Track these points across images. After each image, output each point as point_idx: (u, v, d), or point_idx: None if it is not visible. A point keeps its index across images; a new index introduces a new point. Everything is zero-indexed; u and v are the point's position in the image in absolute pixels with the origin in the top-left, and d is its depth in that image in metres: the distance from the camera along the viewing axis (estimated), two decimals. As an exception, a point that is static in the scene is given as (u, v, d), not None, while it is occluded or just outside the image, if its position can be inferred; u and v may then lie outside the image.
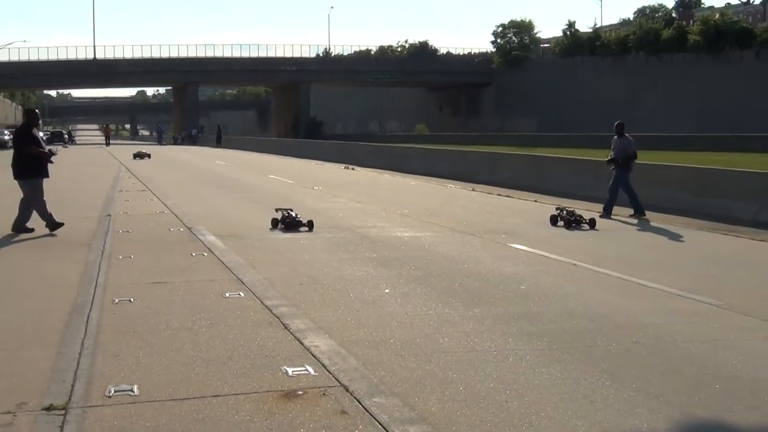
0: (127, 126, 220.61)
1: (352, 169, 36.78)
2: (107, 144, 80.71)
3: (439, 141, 73.56)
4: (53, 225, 14.31)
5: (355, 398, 5.69)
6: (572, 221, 15.41)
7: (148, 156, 45.78)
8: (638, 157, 18.12)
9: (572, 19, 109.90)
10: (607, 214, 16.98)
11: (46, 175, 14.56)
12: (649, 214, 17.39)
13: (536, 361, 6.63)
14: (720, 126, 74.82)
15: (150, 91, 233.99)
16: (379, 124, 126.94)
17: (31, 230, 14.19)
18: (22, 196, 14.29)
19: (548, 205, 19.01)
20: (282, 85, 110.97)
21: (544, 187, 23.69)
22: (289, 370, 6.28)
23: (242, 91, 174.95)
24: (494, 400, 5.72)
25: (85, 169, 36.97)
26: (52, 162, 14.72)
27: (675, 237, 14.62)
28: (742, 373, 6.41)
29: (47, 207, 14.39)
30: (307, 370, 6.31)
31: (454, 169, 31.71)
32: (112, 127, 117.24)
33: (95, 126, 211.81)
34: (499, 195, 22.80)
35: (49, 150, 14.72)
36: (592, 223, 15.38)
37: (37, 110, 15.86)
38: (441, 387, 5.98)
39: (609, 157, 17.96)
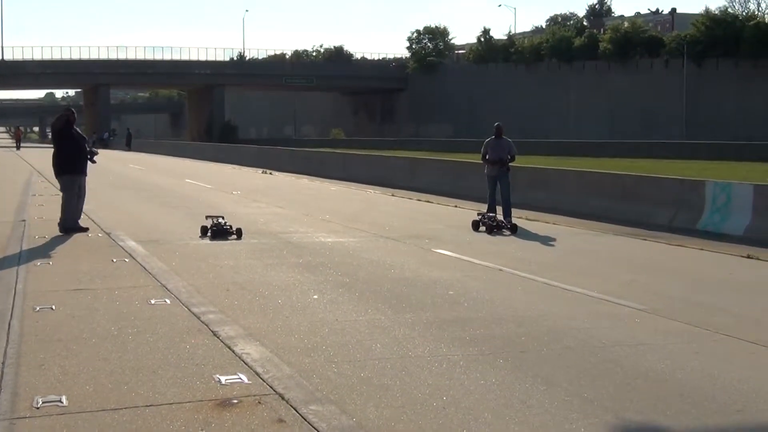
0: (36, 128, 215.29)
1: (270, 173, 36.56)
2: (18, 147, 78.64)
3: (355, 146, 73.50)
4: (72, 228, 14.43)
5: (291, 406, 5.62)
6: (494, 227, 15.53)
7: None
8: (552, 164, 18.22)
9: (487, 27, 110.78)
10: (509, 219, 16.61)
11: (83, 172, 14.91)
12: (568, 220, 17.67)
13: (470, 367, 6.65)
14: (630, 133, 76.56)
15: (59, 93, 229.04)
16: (294, 128, 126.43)
17: (86, 229, 14.48)
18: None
19: (468, 210, 19.17)
20: (196, 88, 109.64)
21: (463, 193, 23.82)
22: (222, 379, 6.18)
23: (155, 94, 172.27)
24: (431, 407, 5.71)
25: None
26: (94, 162, 15.18)
27: (595, 242, 14.86)
28: (670, 377, 6.52)
29: (75, 207, 14.75)
30: (240, 378, 6.21)
31: (373, 174, 31.73)
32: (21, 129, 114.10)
33: (2, 129, 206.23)
34: (419, 200, 22.88)
35: (90, 149, 15.05)
36: (513, 229, 15.52)
37: (73, 109, 16.00)
38: (377, 394, 5.95)
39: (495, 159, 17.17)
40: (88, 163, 14.99)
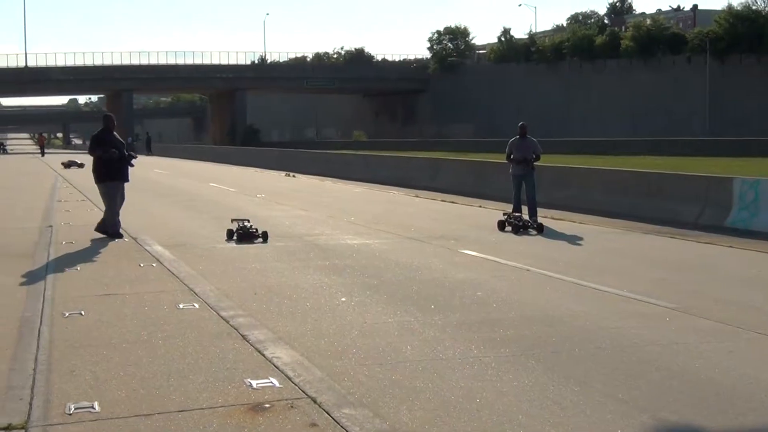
0: (59, 135, 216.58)
1: (293, 176, 36.59)
2: (42, 154, 79.13)
3: (377, 147, 73.54)
4: (106, 232, 14.59)
5: (323, 410, 5.59)
6: (520, 226, 15.46)
7: (80, 165, 42.43)
8: (575, 163, 18.09)
9: (507, 26, 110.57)
10: (535, 218, 16.46)
11: (124, 179, 15.05)
12: (594, 218, 17.57)
13: (501, 368, 6.60)
14: (653, 130, 76.07)
15: (82, 99, 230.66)
16: (315, 130, 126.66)
17: (120, 236, 14.60)
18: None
19: (493, 211, 19.12)
20: (218, 92, 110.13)
21: (486, 193, 23.74)
22: (254, 383, 6.15)
23: (177, 99, 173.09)
24: (465, 409, 5.66)
25: (21, 178, 36.24)
26: (132, 165, 15.27)
27: (623, 241, 14.76)
28: (705, 376, 6.44)
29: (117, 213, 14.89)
30: (271, 382, 6.19)
31: (396, 175, 31.69)
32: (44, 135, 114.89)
33: (26, 135, 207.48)
34: (443, 201, 22.82)
35: (129, 153, 15.17)
36: (540, 228, 15.43)
37: (112, 115, 16.15)
38: (410, 397, 5.91)
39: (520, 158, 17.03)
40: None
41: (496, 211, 18.70)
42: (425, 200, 23.37)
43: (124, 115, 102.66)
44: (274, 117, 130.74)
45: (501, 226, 15.79)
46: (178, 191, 26.87)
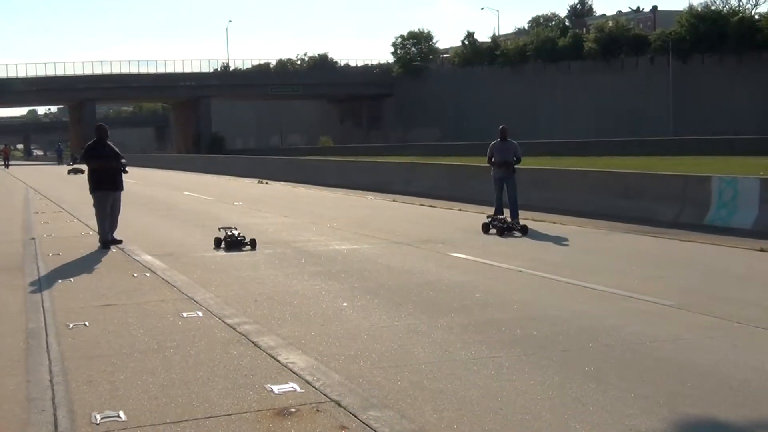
0: (20, 146, 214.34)
1: (266, 183, 36.59)
2: (7, 166, 78.21)
3: (344, 153, 73.62)
4: (105, 242, 14.69)
5: (350, 413, 5.66)
6: (505, 229, 15.60)
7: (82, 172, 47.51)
8: (547, 164, 18.27)
9: (471, 30, 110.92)
10: (517, 220, 16.46)
11: (117, 188, 15.23)
12: (573, 219, 17.77)
13: (516, 368, 6.70)
14: (618, 131, 76.75)
15: (41, 110, 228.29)
16: (280, 137, 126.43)
17: (119, 241, 14.79)
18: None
19: (473, 214, 19.28)
20: (181, 101, 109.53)
21: (463, 196, 23.91)
22: (275, 388, 6.21)
23: (139, 108, 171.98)
24: (489, 408, 5.75)
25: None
26: (126, 171, 15.41)
27: (607, 240, 14.95)
28: (715, 371, 6.59)
29: (107, 223, 14.94)
30: (292, 387, 6.25)
31: (370, 180, 31.79)
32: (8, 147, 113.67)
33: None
34: (421, 205, 22.95)
35: (123, 162, 15.30)
36: (524, 230, 15.59)
37: (105, 125, 15.99)
38: (432, 398, 5.99)
39: (501, 161, 17.21)
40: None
41: (476, 214, 18.86)
42: (403, 204, 23.48)
43: (86, 126, 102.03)
44: (239, 125, 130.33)
45: (485, 228, 15.92)
46: (155, 201, 26.73)
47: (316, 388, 6.20)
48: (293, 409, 5.76)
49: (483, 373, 6.58)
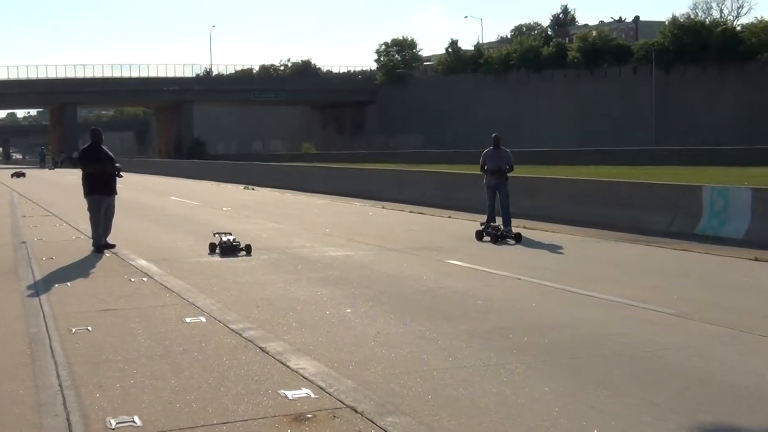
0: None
1: (252, 189, 36.50)
2: None
3: (326, 159, 73.53)
4: (99, 246, 14.69)
5: (367, 419, 5.65)
6: (498, 236, 15.63)
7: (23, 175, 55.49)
8: (535, 173, 18.21)
9: (455, 38, 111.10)
10: (509, 228, 16.38)
11: (111, 192, 15.24)
12: (565, 228, 17.82)
13: (527, 375, 6.72)
14: (601, 141, 77.02)
15: (20, 112, 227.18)
16: (262, 143, 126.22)
17: (113, 246, 14.80)
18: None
19: (464, 221, 19.32)
20: (163, 105, 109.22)
21: (452, 204, 23.90)
22: (288, 394, 6.19)
23: (120, 112, 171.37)
24: (505, 415, 5.76)
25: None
26: (121, 176, 15.55)
27: (601, 249, 15.00)
28: (724, 379, 6.63)
29: (101, 227, 14.92)
30: (306, 392, 6.23)
31: (357, 187, 31.77)
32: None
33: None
34: (411, 212, 22.93)
35: (117, 167, 15.38)
36: (518, 238, 15.62)
37: (99, 129, 16.06)
38: (447, 404, 6.00)
39: (494, 168, 17.18)
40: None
41: (467, 221, 18.91)
42: (393, 212, 23.46)
43: (67, 129, 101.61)
44: (221, 130, 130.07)
45: (479, 236, 15.95)
46: (142, 206, 26.58)
47: (329, 394, 6.19)
48: (309, 415, 5.75)
49: (496, 380, 6.59)
